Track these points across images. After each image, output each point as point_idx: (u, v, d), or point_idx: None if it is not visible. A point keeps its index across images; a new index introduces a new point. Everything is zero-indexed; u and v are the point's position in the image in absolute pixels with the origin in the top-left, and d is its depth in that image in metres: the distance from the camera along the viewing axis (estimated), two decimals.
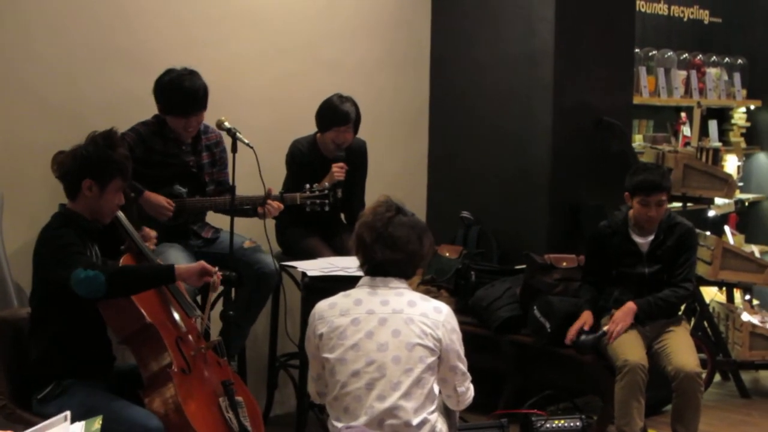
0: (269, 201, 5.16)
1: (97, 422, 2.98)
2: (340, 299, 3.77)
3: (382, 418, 3.59)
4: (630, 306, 5.31)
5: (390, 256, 3.73)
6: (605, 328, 5.25)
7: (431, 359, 3.66)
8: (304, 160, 5.72)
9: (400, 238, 3.73)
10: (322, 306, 3.78)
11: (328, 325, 3.71)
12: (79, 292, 3.86)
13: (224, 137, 5.15)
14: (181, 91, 5.02)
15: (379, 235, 3.73)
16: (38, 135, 5.02)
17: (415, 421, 3.60)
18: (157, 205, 4.99)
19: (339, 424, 3.66)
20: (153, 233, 4.48)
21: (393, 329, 3.65)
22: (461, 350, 3.77)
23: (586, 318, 5.35)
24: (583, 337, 5.24)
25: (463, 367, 3.78)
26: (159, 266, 4.19)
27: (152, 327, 3.99)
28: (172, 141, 5.15)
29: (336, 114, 5.64)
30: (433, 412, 3.69)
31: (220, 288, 4.33)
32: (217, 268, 4.20)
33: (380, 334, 3.65)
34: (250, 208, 5.18)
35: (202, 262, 4.20)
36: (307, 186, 5.30)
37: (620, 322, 5.24)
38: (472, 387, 3.85)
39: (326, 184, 5.44)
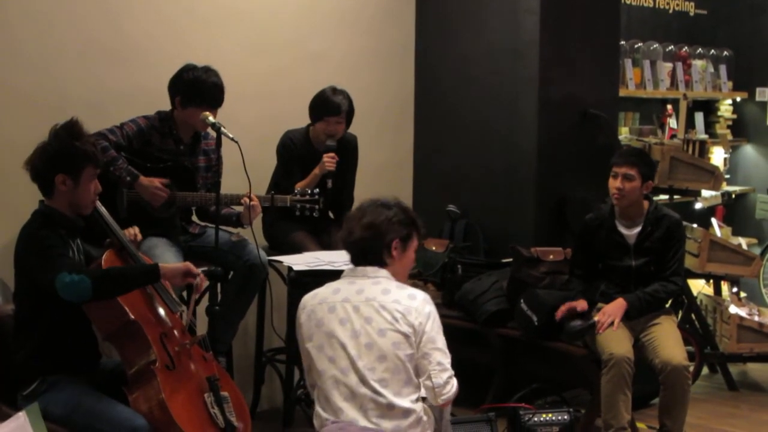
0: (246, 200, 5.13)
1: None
2: (323, 289, 3.93)
3: (362, 403, 3.67)
4: (621, 302, 5.29)
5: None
6: (596, 318, 5.23)
7: (406, 345, 3.72)
8: (295, 152, 5.72)
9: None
10: (307, 296, 3.94)
11: (308, 313, 3.86)
12: (65, 296, 3.83)
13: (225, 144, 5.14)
14: (210, 84, 5.07)
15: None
16: (21, 132, 4.97)
17: (395, 405, 3.67)
18: (151, 186, 4.94)
19: (323, 413, 3.75)
20: (133, 231, 4.45)
21: (366, 316, 3.75)
22: (439, 338, 3.80)
23: (580, 302, 5.30)
24: (573, 322, 5.22)
25: (439, 356, 3.77)
26: (144, 266, 4.18)
27: (136, 324, 3.98)
28: (171, 138, 5.13)
29: (327, 104, 5.66)
30: (416, 400, 3.74)
31: (206, 283, 4.32)
32: (200, 271, 4.23)
33: (354, 322, 3.76)
34: (234, 218, 5.18)
35: (188, 263, 4.24)
36: (298, 189, 5.30)
37: (611, 315, 5.22)
38: (453, 382, 3.82)
39: (317, 172, 5.55)
